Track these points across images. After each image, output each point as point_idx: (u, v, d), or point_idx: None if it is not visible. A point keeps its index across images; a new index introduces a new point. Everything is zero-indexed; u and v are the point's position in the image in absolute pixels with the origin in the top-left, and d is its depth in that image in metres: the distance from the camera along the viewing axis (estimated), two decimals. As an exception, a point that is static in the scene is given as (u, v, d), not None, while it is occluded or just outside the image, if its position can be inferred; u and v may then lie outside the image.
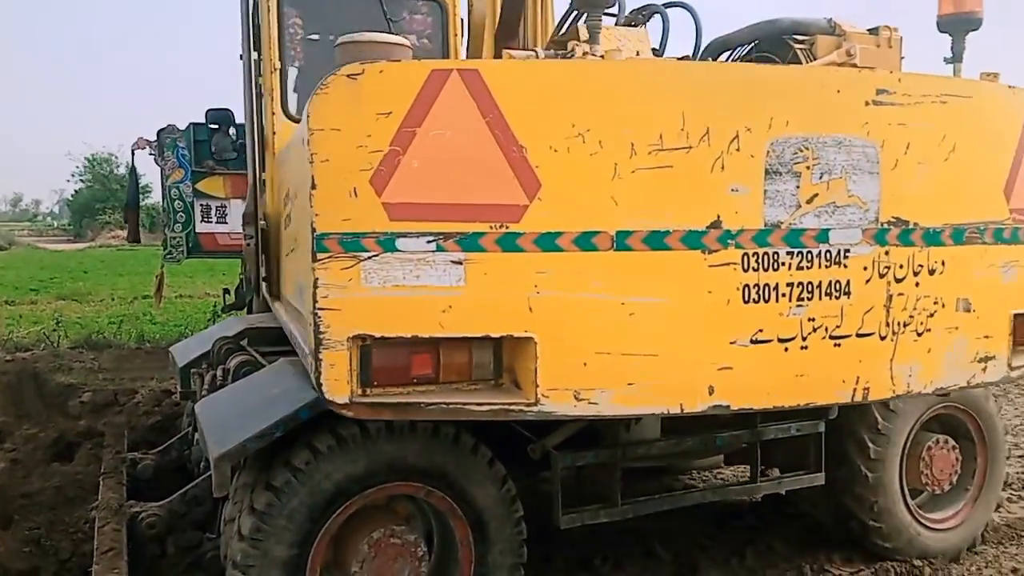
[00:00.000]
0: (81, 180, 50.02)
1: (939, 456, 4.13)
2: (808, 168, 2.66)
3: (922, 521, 4.19)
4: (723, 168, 2.56)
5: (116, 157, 46.36)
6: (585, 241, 2.46)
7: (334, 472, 2.99)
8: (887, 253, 2.81)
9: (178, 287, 15.71)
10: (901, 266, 2.85)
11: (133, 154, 8.47)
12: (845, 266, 2.74)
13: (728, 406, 2.64)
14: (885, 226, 2.80)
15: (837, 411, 3.86)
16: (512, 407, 2.50)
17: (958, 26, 3.11)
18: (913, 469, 4.10)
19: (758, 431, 3.78)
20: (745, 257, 2.60)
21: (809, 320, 2.69)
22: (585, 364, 2.50)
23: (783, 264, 2.64)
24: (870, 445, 3.99)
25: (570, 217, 2.46)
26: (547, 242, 2.43)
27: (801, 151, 2.64)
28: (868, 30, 3.26)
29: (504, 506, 3.27)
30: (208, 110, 5.69)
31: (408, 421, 3.08)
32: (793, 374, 2.71)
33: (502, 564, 3.27)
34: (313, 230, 2.32)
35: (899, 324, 2.85)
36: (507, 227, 2.42)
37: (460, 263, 2.38)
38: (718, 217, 2.57)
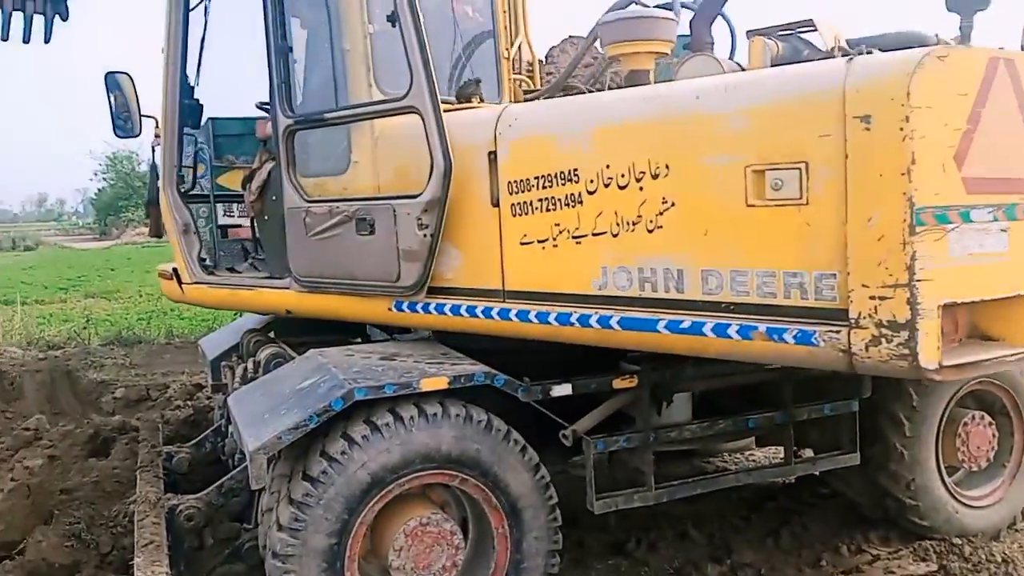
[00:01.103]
0: (104, 179, 50.57)
1: (975, 432, 4.08)
2: None
3: (960, 499, 4.15)
4: None
5: (137, 155, 46.50)
6: None
7: (369, 461, 3.01)
8: None
9: (203, 282, 15.83)
10: None
11: (153, 150, 8.41)
12: None
13: None
14: None
15: (871, 389, 3.84)
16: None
17: (967, 6, 3.27)
18: (949, 446, 4.06)
19: (791, 412, 3.76)
20: None
21: None
22: None
23: None
24: (905, 422, 3.95)
25: None
26: None
27: None
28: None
29: (538, 493, 3.28)
30: (107, 74, 5.06)
31: (440, 409, 3.13)
32: None
33: (538, 550, 3.29)
34: (912, 204, 2.51)
35: None
36: None
37: (1005, 231, 2.67)
38: None
